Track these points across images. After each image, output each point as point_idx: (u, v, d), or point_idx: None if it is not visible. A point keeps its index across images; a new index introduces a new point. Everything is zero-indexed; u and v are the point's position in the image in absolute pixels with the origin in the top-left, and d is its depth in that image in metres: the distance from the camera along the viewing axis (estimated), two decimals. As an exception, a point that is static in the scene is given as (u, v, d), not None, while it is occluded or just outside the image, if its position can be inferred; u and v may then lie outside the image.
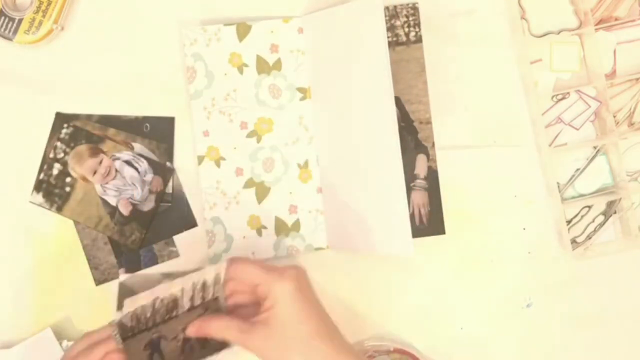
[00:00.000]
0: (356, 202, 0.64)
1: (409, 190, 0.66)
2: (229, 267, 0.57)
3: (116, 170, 0.66)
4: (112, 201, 0.66)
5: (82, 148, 0.66)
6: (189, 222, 0.67)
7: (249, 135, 0.66)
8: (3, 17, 0.64)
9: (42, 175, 0.65)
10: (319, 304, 0.56)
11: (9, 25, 0.64)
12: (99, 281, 0.66)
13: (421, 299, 0.68)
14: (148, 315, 0.54)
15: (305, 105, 0.67)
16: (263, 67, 0.66)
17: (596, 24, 0.67)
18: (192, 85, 0.66)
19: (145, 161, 0.66)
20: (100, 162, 0.66)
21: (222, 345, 0.57)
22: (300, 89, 0.67)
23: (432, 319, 0.68)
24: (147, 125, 0.66)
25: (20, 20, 0.64)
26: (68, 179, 0.65)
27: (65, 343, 0.64)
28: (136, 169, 0.66)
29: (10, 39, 0.64)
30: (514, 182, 0.69)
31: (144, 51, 0.67)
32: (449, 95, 0.68)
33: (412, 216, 0.66)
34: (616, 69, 0.69)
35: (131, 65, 0.67)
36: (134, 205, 0.66)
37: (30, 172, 0.65)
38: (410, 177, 0.67)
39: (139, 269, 0.66)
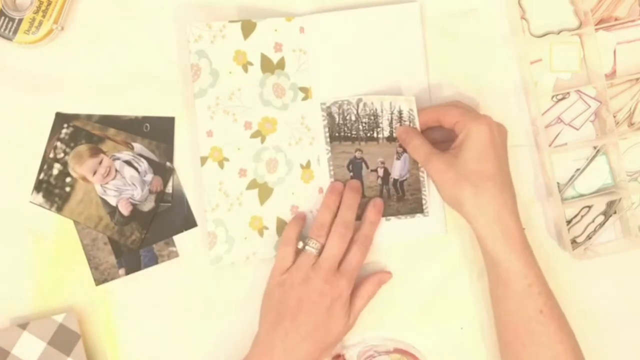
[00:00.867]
0: None
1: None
2: (435, 107, 0.63)
3: (116, 170, 0.66)
4: (112, 201, 0.66)
5: (82, 148, 0.65)
6: (189, 222, 0.67)
7: (253, 136, 0.66)
8: (3, 17, 0.64)
9: (42, 175, 0.65)
10: (503, 155, 0.60)
11: (9, 25, 0.64)
12: (99, 281, 0.66)
13: (421, 299, 0.68)
14: (353, 118, 0.60)
15: (307, 105, 0.67)
16: (267, 65, 0.66)
17: (596, 24, 0.67)
18: (197, 84, 0.65)
19: (145, 161, 0.66)
20: (100, 162, 0.66)
21: (416, 209, 0.64)
22: (302, 89, 0.67)
23: (432, 319, 0.68)
24: (147, 125, 0.66)
25: (20, 20, 0.64)
26: (68, 179, 0.65)
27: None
28: (136, 169, 0.66)
29: (10, 39, 0.64)
30: (514, 182, 0.69)
31: (144, 51, 0.67)
32: (449, 95, 0.68)
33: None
34: (616, 69, 0.69)
35: (131, 65, 0.67)
36: (134, 205, 0.66)
37: (30, 172, 0.65)
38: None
39: (139, 269, 0.66)
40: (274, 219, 0.66)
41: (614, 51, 0.69)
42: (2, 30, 0.64)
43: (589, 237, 0.69)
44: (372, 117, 0.62)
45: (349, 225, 0.62)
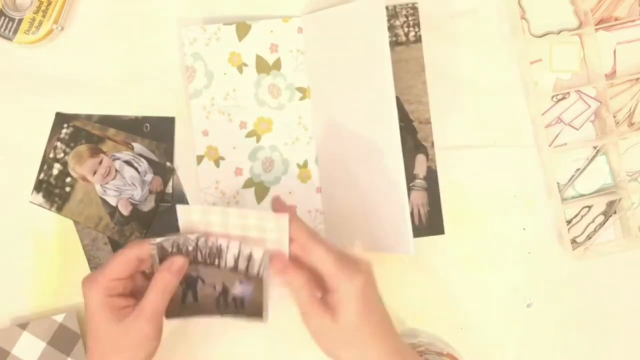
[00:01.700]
0: (356, 202, 0.64)
1: (408, 190, 0.65)
2: (312, 245, 0.55)
3: (116, 170, 0.66)
4: (112, 201, 0.66)
5: (82, 148, 0.65)
6: (189, 222, 0.67)
7: (249, 135, 0.66)
8: (3, 17, 0.64)
9: (42, 175, 0.65)
10: (381, 304, 0.57)
11: (9, 25, 0.64)
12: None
13: (421, 299, 0.68)
14: (190, 249, 0.55)
15: (305, 105, 0.67)
16: (263, 66, 0.66)
17: (596, 24, 0.67)
18: (192, 85, 0.66)
19: (145, 161, 0.66)
20: (100, 162, 0.66)
21: (256, 312, 0.57)
22: (299, 89, 0.67)
23: (432, 319, 0.68)
24: (147, 125, 0.66)
25: (20, 20, 0.64)
26: (68, 179, 0.65)
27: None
28: (136, 169, 0.66)
29: (10, 39, 0.64)
30: (514, 182, 0.69)
31: (144, 51, 0.67)
32: (449, 95, 0.68)
33: (411, 216, 0.66)
34: (616, 69, 0.69)
35: (131, 65, 0.67)
36: (134, 205, 0.66)
37: (30, 172, 0.65)
38: (409, 177, 0.67)
39: (139, 269, 0.66)
40: None
41: (614, 51, 0.69)
42: (2, 30, 0.64)
43: (589, 237, 0.69)
44: (215, 250, 0.55)
45: None
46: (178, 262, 0.55)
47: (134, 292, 0.56)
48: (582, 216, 0.69)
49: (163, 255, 0.55)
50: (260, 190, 0.66)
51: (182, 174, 0.67)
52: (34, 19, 0.64)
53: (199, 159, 0.66)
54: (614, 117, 0.68)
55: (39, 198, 0.65)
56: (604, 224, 0.69)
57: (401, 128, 0.65)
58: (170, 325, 0.58)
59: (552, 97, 0.69)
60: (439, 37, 0.68)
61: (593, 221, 0.70)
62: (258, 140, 0.66)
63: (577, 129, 0.69)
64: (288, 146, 0.67)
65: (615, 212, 0.69)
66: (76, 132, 0.66)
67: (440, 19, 0.68)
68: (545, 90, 0.69)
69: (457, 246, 0.68)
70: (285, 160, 0.67)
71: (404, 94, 0.67)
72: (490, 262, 0.69)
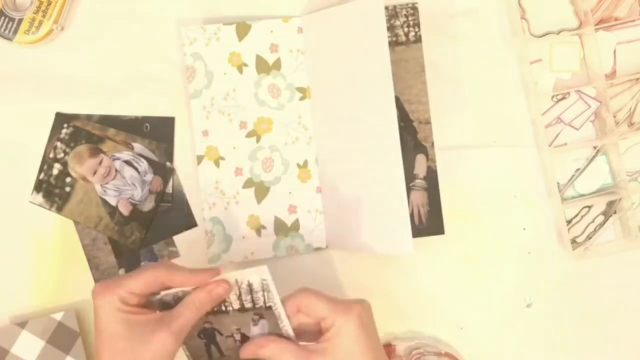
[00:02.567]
0: (356, 202, 0.64)
1: (408, 190, 0.66)
2: (296, 298, 0.55)
3: (116, 170, 0.66)
4: (112, 201, 0.66)
5: (82, 148, 0.66)
6: (189, 222, 0.67)
7: (249, 135, 0.66)
8: (3, 17, 0.64)
9: (42, 175, 0.65)
10: (377, 342, 0.55)
11: (9, 25, 0.64)
12: (99, 281, 0.66)
13: (420, 299, 0.68)
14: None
15: (305, 105, 0.67)
16: (263, 66, 0.66)
17: (596, 24, 0.67)
18: (192, 85, 0.66)
19: (145, 161, 0.66)
20: (100, 162, 0.66)
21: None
22: (299, 89, 0.67)
23: (432, 319, 0.68)
24: (147, 125, 0.66)
25: (20, 20, 0.64)
26: (68, 179, 0.65)
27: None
28: (136, 169, 0.66)
29: (10, 39, 0.64)
30: (514, 182, 0.69)
31: (144, 51, 0.67)
32: (449, 95, 0.68)
33: (411, 216, 0.66)
34: (616, 69, 0.69)
35: (131, 65, 0.67)
36: (134, 205, 0.66)
37: (30, 172, 0.65)
38: (409, 177, 0.67)
39: (139, 269, 0.66)
40: (271, 218, 0.66)
41: (614, 51, 0.69)
42: (2, 30, 0.64)
43: (589, 237, 0.69)
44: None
45: None
46: (220, 287, 0.53)
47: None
48: (582, 216, 0.69)
49: (164, 309, 0.54)
50: (260, 190, 0.66)
51: (182, 174, 0.67)
52: (34, 19, 0.64)
53: (199, 159, 0.66)
54: (614, 117, 0.68)
55: (39, 198, 0.65)
56: (604, 224, 0.69)
57: (401, 128, 0.66)
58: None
59: (552, 97, 0.69)
60: (439, 37, 0.68)
61: (593, 221, 0.70)
62: (258, 140, 0.67)
63: (577, 129, 0.69)
64: (288, 146, 0.67)
65: (615, 212, 0.69)
66: (76, 132, 0.66)
67: (440, 19, 0.68)
68: (545, 90, 0.69)
69: (457, 246, 0.68)
70: (285, 160, 0.67)
71: (404, 94, 0.67)
72: (490, 262, 0.69)
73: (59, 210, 0.65)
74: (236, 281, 0.54)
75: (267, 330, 0.56)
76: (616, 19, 0.68)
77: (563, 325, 0.69)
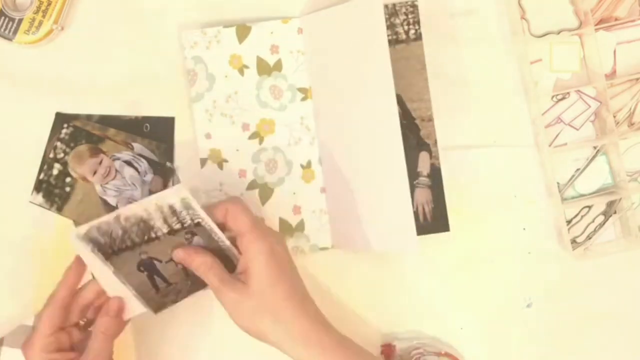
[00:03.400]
0: (360, 201, 0.64)
1: (412, 188, 0.66)
2: (226, 203, 0.58)
3: (116, 171, 0.66)
4: (112, 201, 0.66)
5: (82, 148, 0.66)
6: (189, 222, 0.67)
7: (251, 137, 0.66)
8: (3, 17, 0.64)
9: (42, 175, 0.65)
10: (292, 269, 0.58)
11: (9, 25, 0.64)
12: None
13: (420, 299, 0.68)
14: (120, 233, 0.54)
15: (307, 106, 0.67)
16: (264, 68, 0.66)
17: (596, 24, 0.67)
18: (194, 89, 0.66)
19: (145, 161, 0.66)
20: (100, 162, 0.66)
21: (224, 257, 0.58)
22: (301, 90, 0.67)
23: (432, 318, 0.68)
24: (147, 125, 0.66)
25: (20, 20, 0.64)
26: (68, 179, 0.65)
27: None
28: (136, 169, 0.66)
29: (10, 39, 0.64)
30: (514, 182, 0.69)
31: (144, 51, 0.67)
32: (449, 95, 0.68)
33: (415, 214, 0.66)
34: (616, 69, 0.69)
35: (131, 65, 0.67)
36: (134, 205, 0.66)
37: (30, 172, 0.65)
38: (412, 174, 0.66)
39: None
40: (276, 219, 0.66)
41: (614, 51, 0.69)
42: (2, 30, 0.64)
43: (589, 237, 0.69)
44: (142, 223, 0.55)
45: None
46: (114, 304, 0.57)
47: (74, 346, 0.58)
48: (582, 216, 0.69)
49: (102, 250, 0.55)
50: (265, 191, 0.66)
51: (182, 174, 0.67)
52: (34, 19, 0.64)
53: (203, 162, 0.66)
54: (614, 117, 0.68)
55: (39, 198, 0.65)
56: (604, 224, 0.69)
57: (403, 126, 0.65)
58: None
59: (552, 97, 0.69)
60: (438, 37, 0.68)
61: (593, 221, 0.70)
62: (261, 142, 0.66)
63: (577, 129, 0.69)
64: (291, 147, 0.67)
65: (615, 212, 0.69)
66: (76, 132, 0.66)
67: (440, 18, 0.68)
68: (545, 90, 0.69)
69: (457, 246, 0.68)
70: (288, 161, 0.67)
71: (405, 91, 0.67)
72: (490, 262, 0.69)
73: (59, 210, 0.65)
74: (157, 205, 0.54)
75: (204, 244, 0.58)
76: (616, 19, 0.68)
77: (563, 325, 0.69)
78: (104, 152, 0.66)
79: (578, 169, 0.69)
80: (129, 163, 0.66)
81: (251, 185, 0.66)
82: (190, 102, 0.66)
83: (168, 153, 0.66)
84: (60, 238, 0.66)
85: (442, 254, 0.68)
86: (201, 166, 0.66)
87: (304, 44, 0.67)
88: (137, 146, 0.66)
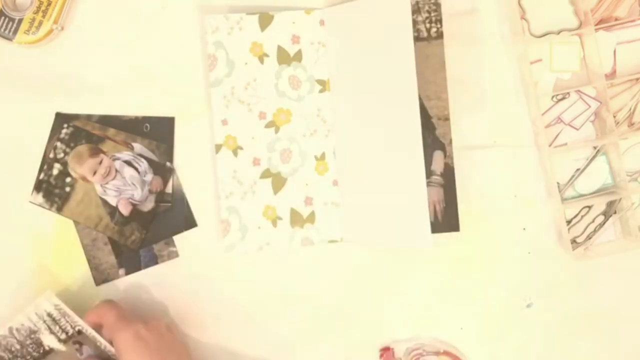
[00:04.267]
0: (374, 195, 0.64)
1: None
2: (96, 308, 0.61)
3: (116, 170, 0.66)
4: (112, 201, 0.66)
5: (82, 148, 0.66)
6: (189, 222, 0.67)
7: (267, 126, 0.66)
8: (3, 17, 0.64)
9: (42, 175, 0.65)
10: (169, 347, 0.59)
11: (9, 25, 0.64)
12: (98, 281, 0.66)
13: (420, 299, 0.68)
14: (18, 347, 0.57)
15: (324, 98, 0.67)
16: (284, 57, 0.66)
17: (596, 24, 0.67)
18: (213, 73, 0.65)
19: (145, 161, 0.66)
20: (100, 162, 0.66)
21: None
22: (319, 81, 0.67)
23: (432, 319, 0.68)
24: (147, 125, 0.66)
25: (20, 21, 0.64)
26: (68, 179, 0.65)
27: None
28: (136, 169, 0.66)
29: (10, 39, 0.64)
30: (514, 182, 0.69)
31: (143, 51, 0.67)
32: (448, 95, 0.68)
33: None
34: (616, 69, 0.69)
35: (131, 65, 0.67)
36: (134, 205, 0.66)
37: (30, 172, 0.65)
38: (426, 173, 0.66)
39: (139, 269, 0.66)
40: (287, 209, 0.66)
41: (614, 51, 0.69)
42: (2, 30, 0.64)
43: (589, 237, 0.69)
44: (33, 335, 0.60)
45: None
46: None
47: None
48: (582, 216, 0.69)
49: None
50: (278, 181, 0.66)
51: (182, 174, 0.67)
52: (34, 19, 0.64)
53: (218, 147, 0.66)
54: (614, 117, 0.68)
55: (39, 198, 0.65)
56: (604, 224, 0.69)
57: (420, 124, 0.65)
58: None
59: (552, 97, 0.69)
60: (439, 37, 0.68)
61: (593, 221, 0.70)
62: (277, 131, 0.67)
63: (577, 129, 0.69)
64: (306, 138, 0.67)
65: (615, 212, 0.69)
66: (76, 132, 0.66)
67: (440, 19, 0.68)
68: (545, 90, 0.69)
69: (457, 246, 0.68)
70: (303, 152, 0.67)
71: (423, 89, 0.67)
72: (490, 262, 0.69)
73: (59, 210, 0.65)
74: (37, 315, 0.57)
75: (93, 353, 0.60)
76: (616, 19, 0.68)
77: (563, 325, 0.69)
78: (104, 152, 0.66)
79: (578, 169, 0.69)
80: (129, 163, 0.66)
81: (265, 174, 0.66)
82: (210, 86, 0.65)
83: (168, 153, 0.66)
84: (60, 238, 0.66)
85: (442, 254, 0.68)
86: (216, 152, 0.66)
87: (325, 36, 0.67)
88: (137, 146, 0.66)
